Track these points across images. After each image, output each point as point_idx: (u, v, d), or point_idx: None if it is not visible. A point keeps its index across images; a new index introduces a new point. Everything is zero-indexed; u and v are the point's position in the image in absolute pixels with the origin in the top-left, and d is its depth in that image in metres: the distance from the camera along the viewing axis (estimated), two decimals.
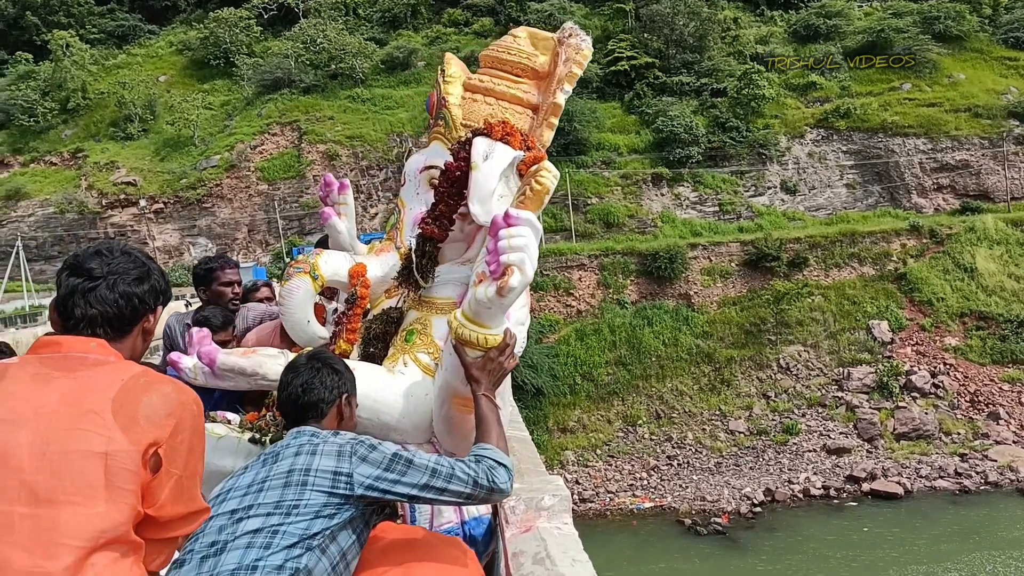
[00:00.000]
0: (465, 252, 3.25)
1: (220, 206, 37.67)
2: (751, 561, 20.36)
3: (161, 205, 37.70)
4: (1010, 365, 26.87)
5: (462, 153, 3.11)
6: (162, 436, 1.73)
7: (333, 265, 3.44)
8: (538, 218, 2.56)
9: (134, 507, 1.67)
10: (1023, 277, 28.94)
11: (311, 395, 2.48)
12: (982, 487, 23.09)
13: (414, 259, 3.23)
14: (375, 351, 3.29)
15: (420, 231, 3.22)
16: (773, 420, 26.60)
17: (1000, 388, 26.32)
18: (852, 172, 35.57)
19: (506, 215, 2.49)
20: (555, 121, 3.37)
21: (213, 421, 3.27)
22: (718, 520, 22.61)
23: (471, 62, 3.83)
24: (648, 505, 24.01)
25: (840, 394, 26.94)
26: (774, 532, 21.85)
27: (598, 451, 26.19)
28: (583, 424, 26.81)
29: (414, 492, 2.21)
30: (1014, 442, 24.72)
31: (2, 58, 48.11)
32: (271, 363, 3.13)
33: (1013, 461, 23.76)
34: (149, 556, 1.75)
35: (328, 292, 3.69)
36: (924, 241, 30.48)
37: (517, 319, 2.91)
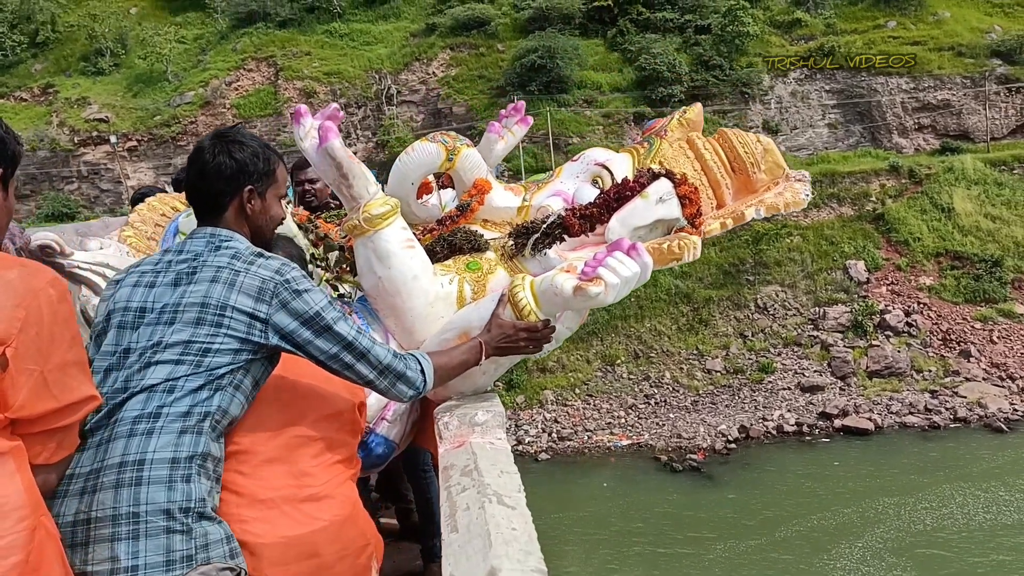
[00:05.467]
0: (571, 250, 3.26)
1: (195, 144, 36.98)
2: (725, 494, 20.89)
3: (135, 143, 36.97)
4: (982, 304, 27.28)
5: (644, 179, 3.22)
6: (9, 332, 1.47)
7: (471, 162, 3.46)
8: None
9: None
10: (999, 217, 29.19)
11: (204, 184, 2.26)
12: (951, 423, 23.67)
13: (540, 231, 3.23)
14: (438, 251, 3.30)
15: (563, 216, 3.24)
16: (749, 359, 26.96)
17: (972, 326, 26.77)
18: (834, 112, 35.40)
19: (633, 245, 2.62)
20: (730, 224, 3.47)
21: None
22: (693, 456, 23.08)
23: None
24: (625, 443, 24.43)
25: (815, 333, 27.30)
26: (748, 467, 22.37)
27: (576, 390, 26.50)
28: (562, 364, 27.05)
29: (321, 358, 2.16)
30: (983, 379, 25.26)
31: None
32: (363, 182, 2.94)
33: (982, 397, 24.33)
34: (35, 451, 1.57)
35: (446, 179, 3.69)
36: (903, 181, 30.58)
37: (561, 329, 2.97)
